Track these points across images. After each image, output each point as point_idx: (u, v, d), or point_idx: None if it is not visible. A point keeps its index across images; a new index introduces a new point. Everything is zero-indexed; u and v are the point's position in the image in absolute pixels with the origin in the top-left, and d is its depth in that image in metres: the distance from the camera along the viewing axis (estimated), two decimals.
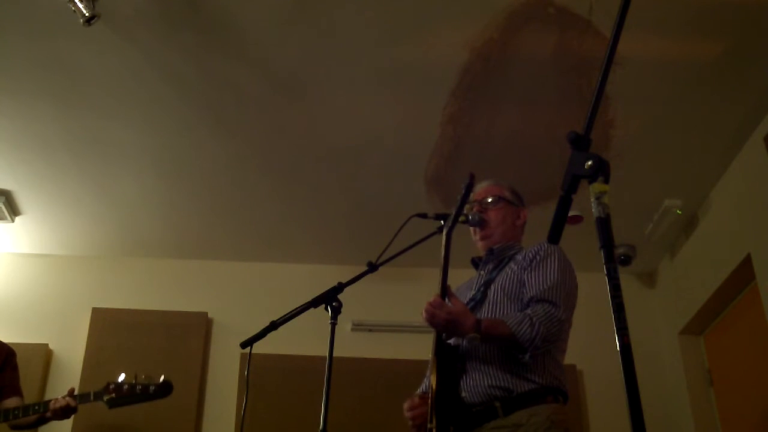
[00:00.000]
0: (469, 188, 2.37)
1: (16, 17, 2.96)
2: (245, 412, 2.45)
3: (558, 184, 1.28)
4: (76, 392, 3.05)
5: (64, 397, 3.02)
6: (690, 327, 4.36)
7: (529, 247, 2.46)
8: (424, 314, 2.21)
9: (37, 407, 3.02)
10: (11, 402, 3.17)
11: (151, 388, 3.07)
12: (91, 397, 3.03)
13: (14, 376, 3.29)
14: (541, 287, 2.29)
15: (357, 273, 2.49)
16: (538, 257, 2.37)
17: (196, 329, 4.58)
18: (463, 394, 2.24)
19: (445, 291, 2.27)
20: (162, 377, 3.12)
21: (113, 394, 3.04)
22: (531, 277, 2.33)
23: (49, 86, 3.35)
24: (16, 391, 3.23)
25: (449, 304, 2.23)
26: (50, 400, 3.03)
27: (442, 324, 2.19)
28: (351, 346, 4.31)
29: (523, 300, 2.31)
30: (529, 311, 2.22)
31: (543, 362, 2.26)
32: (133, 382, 3.08)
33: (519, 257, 2.44)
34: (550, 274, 2.31)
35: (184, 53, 3.17)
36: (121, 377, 3.08)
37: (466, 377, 2.27)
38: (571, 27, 2.97)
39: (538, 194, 3.80)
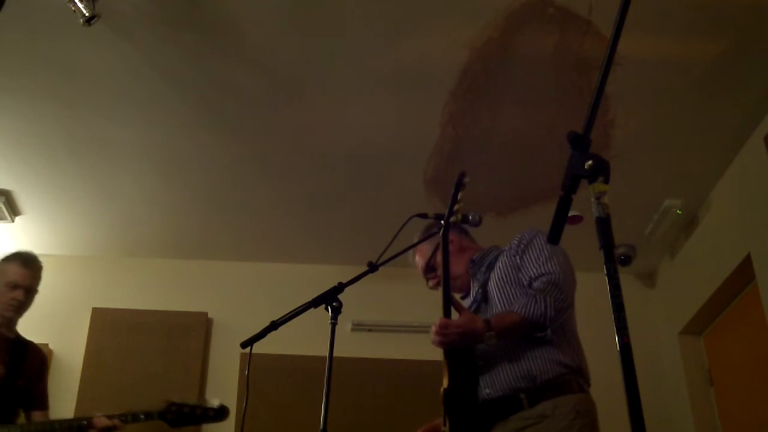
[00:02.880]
0: (459, 187, 2.39)
1: (16, 16, 2.95)
2: (245, 412, 2.44)
3: (558, 184, 1.28)
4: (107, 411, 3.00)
5: (110, 417, 2.95)
6: (690, 327, 4.36)
7: (511, 240, 2.48)
8: (434, 338, 2.19)
9: (81, 423, 2.94)
10: (38, 416, 3.08)
11: (210, 411, 3.14)
12: (155, 416, 3.05)
13: (46, 386, 3.21)
14: (535, 264, 2.32)
15: (357, 273, 2.48)
16: (523, 242, 2.40)
17: (196, 329, 4.58)
18: (487, 391, 2.24)
19: (448, 308, 2.26)
20: (218, 402, 3.16)
21: (176, 415, 3.07)
22: (524, 260, 2.36)
23: (49, 86, 3.35)
24: (45, 404, 3.14)
25: (453, 317, 2.23)
26: (91, 418, 2.95)
27: (457, 340, 2.18)
28: (351, 346, 4.30)
29: (522, 284, 2.33)
30: (531, 291, 2.25)
31: (564, 336, 2.27)
32: (192, 404, 3.12)
33: (504, 250, 2.47)
34: (540, 252, 2.35)
35: (183, 53, 3.17)
36: (178, 400, 3.12)
37: (487, 374, 2.27)
38: (571, 27, 2.97)
39: (538, 194, 3.80)
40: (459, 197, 2.42)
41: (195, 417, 3.10)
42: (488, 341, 2.18)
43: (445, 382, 2.21)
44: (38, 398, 3.12)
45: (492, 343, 2.19)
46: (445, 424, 2.17)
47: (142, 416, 3.02)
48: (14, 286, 3.08)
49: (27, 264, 3.14)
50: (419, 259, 2.67)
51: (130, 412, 3.01)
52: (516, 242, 2.43)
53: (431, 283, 2.63)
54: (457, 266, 2.55)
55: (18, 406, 3.06)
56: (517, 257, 2.38)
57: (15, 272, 3.10)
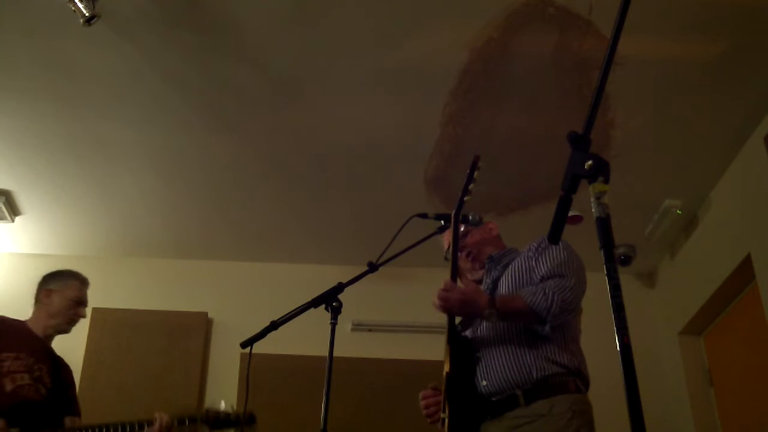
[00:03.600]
0: (473, 169, 2.40)
1: (16, 16, 2.96)
2: (245, 412, 2.45)
3: (558, 184, 1.28)
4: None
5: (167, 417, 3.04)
6: (690, 327, 4.36)
7: (530, 242, 2.47)
8: (436, 301, 2.20)
9: (139, 426, 3.00)
10: (72, 421, 3.09)
11: (241, 416, 3.22)
12: (198, 420, 3.15)
13: (76, 393, 3.27)
14: (549, 266, 2.31)
15: (357, 273, 2.49)
16: (542, 245, 2.40)
17: (196, 329, 4.58)
18: (484, 383, 2.24)
19: (455, 273, 2.27)
20: (246, 409, 3.19)
21: (214, 420, 3.15)
22: (539, 262, 2.36)
23: (49, 86, 3.35)
24: (79, 411, 3.19)
25: (461, 285, 2.24)
26: (151, 420, 3.00)
27: (457, 305, 2.19)
28: (351, 346, 4.30)
29: (534, 283, 2.32)
30: (541, 285, 2.25)
31: (563, 340, 2.26)
32: (225, 410, 3.20)
33: (522, 252, 2.47)
34: (556, 255, 2.34)
35: (184, 53, 3.17)
36: (222, 405, 3.23)
37: (484, 365, 2.26)
38: (571, 27, 2.97)
39: (538, 194, 3.80)
40: (475, 176, 2.43)
41: (230, 422, 3.19)
42: (488, 318, 2.18)
43: (446, 368, 2.22)
44: (75, 405, 3.17)
45: (492, 320, 2.20)
46: (444, 411, 2.17)
47: (187, 420, 3.14)
48: (79, 302, 3.20)
49: (85, 283, 3.27)
50: (448, 235, 2.64)
51: (178, 415, 3.10)
52: (535, 245, 2.42)
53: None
54: (496, 243, 2.59)
55: (63, 413, 3.08)
56: (533, 260, 2.38)
57: (79, 289, 3.22)
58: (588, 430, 2.16)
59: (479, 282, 2.59)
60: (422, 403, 2.39)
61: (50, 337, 3.14)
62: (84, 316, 3.24)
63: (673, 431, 4.28)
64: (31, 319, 3.13)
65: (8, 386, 2.86)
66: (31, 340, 3.07)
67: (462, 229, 2.57)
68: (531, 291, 2.22)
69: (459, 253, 2.55)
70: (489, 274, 2.55)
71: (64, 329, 3.17)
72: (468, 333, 2.38)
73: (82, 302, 3.21)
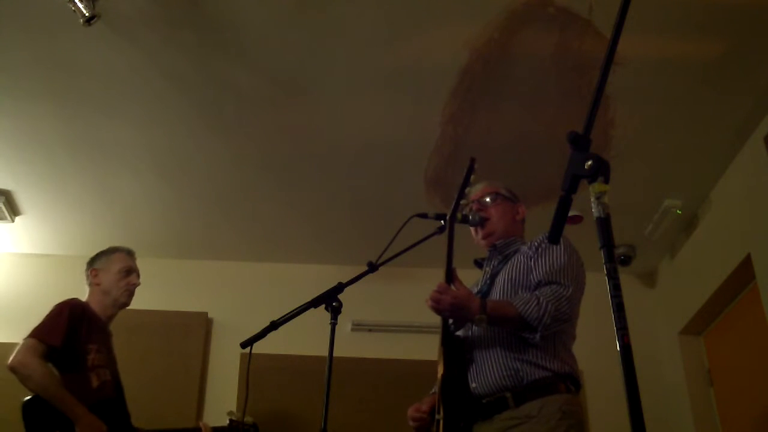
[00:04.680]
0: (470, 172, 2.39)
1: (16, 16, 2.96)
2: (245, 412, 2.45)
3: (558, 184, 1.28)
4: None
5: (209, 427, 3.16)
6: (690, 327, 4.36)
7: (533, 238, 2.46)
8: (429, 301, 2.20)
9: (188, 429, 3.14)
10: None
11: (251, 429, 3.41)
12: (228, 430, 3.33)
13: None
14: (547, 270, 2.29)
15: (357, 273, 2.49)
16: (543, 244, 2.37)
17: (196, 329, 4.58)
18: (473, 385, 2.23)
19: (450, 276, 2.27)
20: (252, 420, 3.40)
21: (238, 429, 3.32)
22: (538, 263, 2.33)
23: (49, 86, 3.35)
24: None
25: (454, 289, 2.23)
26: (196, 428, 3.10)
27: (448, 308, 2.18)
28: (351, 346, 4.30)
29: (530, 287, 2.30)
30: (536, 292, 2.23)
31: (554, 348, 2.24)
32: (241, 420, 3.36)
33: (524, 248, 2.44)
34: (556, 258, 2.31)
35: (184, 53, 3.17)
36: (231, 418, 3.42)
37: (474, 367, 2.26)
38: (571, 27, 2.97)
39: (538, 194, 3.80)
40: (471, 180, 2.43)
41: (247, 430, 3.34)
42: (478, 323, 2.18)
43: (440, 370, 2.22)
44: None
45: (481, 325, 2.19)
46: (438, 412, 2.17)
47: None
48: (128, 271, 3.14)
49: (131, 253, 3.22)
50: (484, 188, 2.64)
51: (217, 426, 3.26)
52: (536, 243, 2.40)
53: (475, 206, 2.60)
54: (511, 229, 2.56)
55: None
56: (532, 260, 2.36)
57: (124, 259, 3.16)
58: (578, 430, 2.16)
59: (480, 265, 2.60)
60: (412, 424, 2.40)
61: (111, 318, 3.09)
62: (137, 284, 3.15)
63: (673, 431, 4.28)
64: (88, 302, 3.09)
65: (94, 382, 2.84)
66: (103, 328, 3.03)
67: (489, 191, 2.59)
68: (524, 299, 2.19)
69: (470, 203, 2.57)
70: (489, 262, 2.55)
71: (124, 301, 3.12)
72: (460, 332, 2.38)
73: (131, 270, 3.14)
